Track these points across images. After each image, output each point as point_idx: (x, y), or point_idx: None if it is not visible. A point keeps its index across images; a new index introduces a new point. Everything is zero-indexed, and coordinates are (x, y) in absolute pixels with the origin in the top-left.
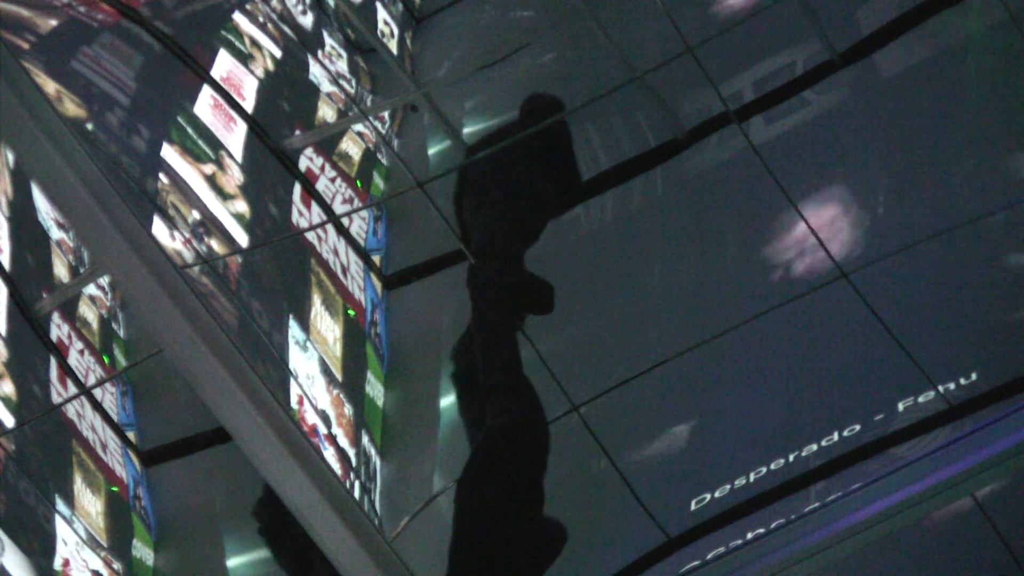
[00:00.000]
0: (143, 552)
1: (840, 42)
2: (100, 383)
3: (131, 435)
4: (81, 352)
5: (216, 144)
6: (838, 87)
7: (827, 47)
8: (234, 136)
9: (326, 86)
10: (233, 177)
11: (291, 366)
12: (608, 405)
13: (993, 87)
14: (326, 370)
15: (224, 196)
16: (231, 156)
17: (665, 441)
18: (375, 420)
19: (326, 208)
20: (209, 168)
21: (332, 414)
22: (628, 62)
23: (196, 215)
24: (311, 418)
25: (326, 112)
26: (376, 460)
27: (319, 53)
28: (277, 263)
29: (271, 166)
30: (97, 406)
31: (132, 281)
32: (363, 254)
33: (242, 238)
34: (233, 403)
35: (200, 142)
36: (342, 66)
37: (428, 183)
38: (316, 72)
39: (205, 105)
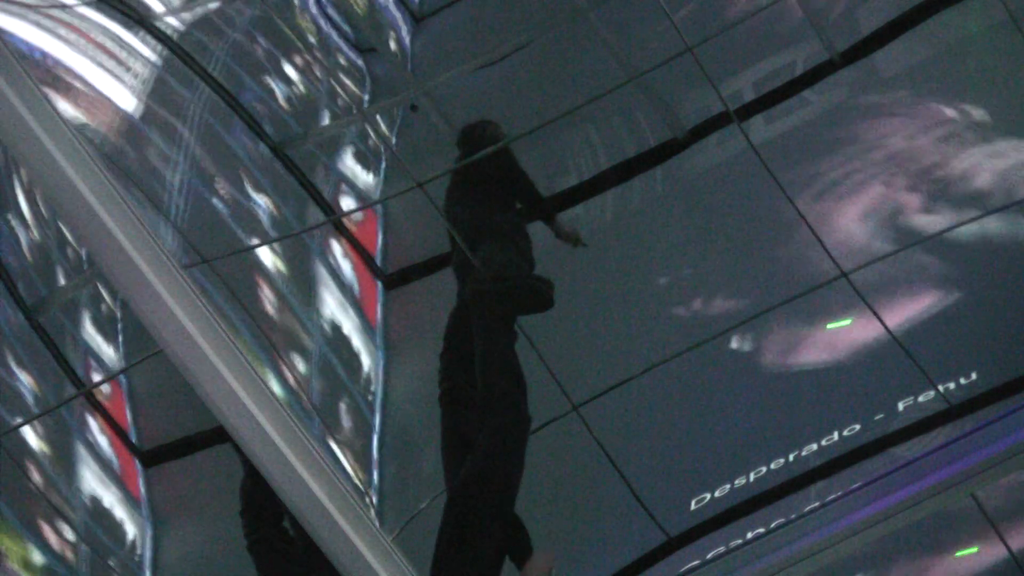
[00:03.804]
0: (139, 553)
1: (840, 42)
2: (100, 383)
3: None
4: None
5: None
6: (838, 87)
7: (827, 47)
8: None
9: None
10: None
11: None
12: (608, 405)
13: (993, 87)
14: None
15: None
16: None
17: (665, 441)
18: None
19: (326, 207)
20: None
21: None
22: (628, 62)
23: None
24: None
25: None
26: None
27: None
28: None
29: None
30: (97, 407)
31: (132, 281)
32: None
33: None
34: (233, 403)
35: None
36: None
37: (428, 183)
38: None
39: None
